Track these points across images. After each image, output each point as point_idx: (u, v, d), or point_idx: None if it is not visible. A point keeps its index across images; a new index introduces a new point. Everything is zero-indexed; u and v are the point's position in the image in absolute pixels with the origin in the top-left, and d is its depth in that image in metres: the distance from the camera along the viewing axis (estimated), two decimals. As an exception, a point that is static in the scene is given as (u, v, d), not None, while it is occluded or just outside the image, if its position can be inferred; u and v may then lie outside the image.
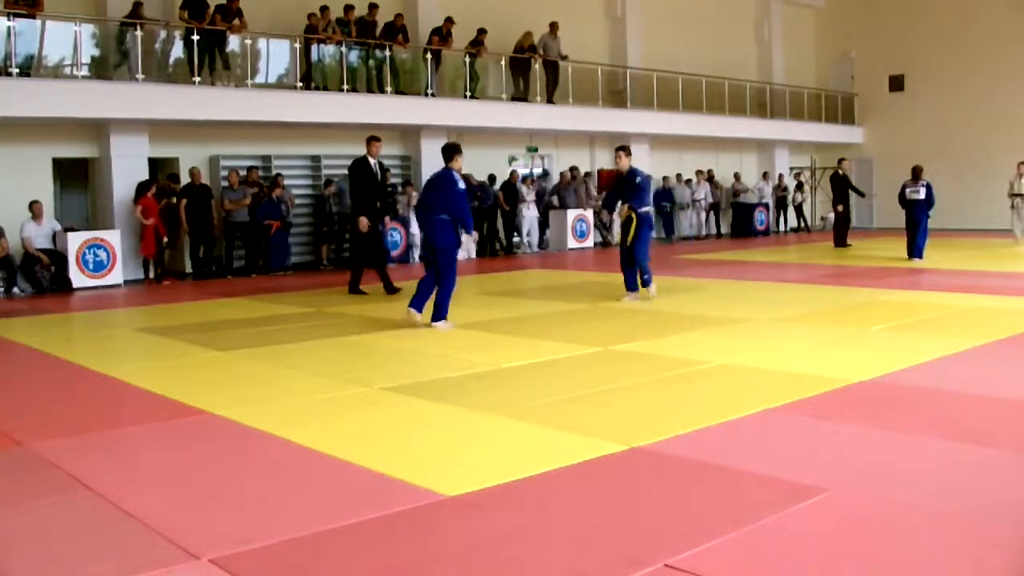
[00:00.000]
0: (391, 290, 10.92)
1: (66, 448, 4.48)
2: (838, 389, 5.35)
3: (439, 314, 8.12)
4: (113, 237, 13.20)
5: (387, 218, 11.59)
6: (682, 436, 4.40)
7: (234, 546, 3.14)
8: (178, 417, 5.10)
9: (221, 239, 14.93)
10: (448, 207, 8.20)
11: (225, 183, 14.78)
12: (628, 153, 10.04)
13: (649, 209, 9.97)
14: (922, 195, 14.53)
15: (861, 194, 17.56)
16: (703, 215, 21.87)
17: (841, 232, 17.29)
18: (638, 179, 9.76)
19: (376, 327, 8.34)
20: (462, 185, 8.38)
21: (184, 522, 3.40)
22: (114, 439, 4.72)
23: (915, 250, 14.35)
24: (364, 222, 10.65)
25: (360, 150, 16.74)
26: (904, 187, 14.85)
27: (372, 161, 10.81)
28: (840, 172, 16.92)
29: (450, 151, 8.47)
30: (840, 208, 16.92)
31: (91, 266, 12.92)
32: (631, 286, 9.79)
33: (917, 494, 3.55)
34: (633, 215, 9.67)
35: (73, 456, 4.32)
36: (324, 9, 15.50)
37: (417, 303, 8.19)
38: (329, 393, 5.62)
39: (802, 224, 24.10)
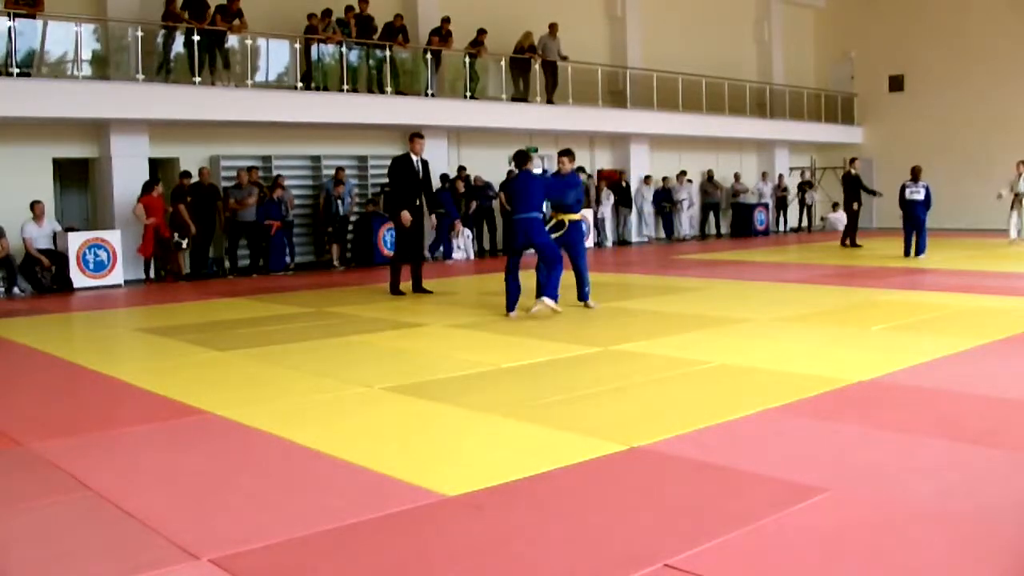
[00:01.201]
0: (419, 289, 10.88)
1: (66, 448, 4.47)
2: (838, 389, 5.35)
3: (551, 292, 8.63)
4: (113, 237, 13.21)
5: (433, 215, 11.43)
6: (682, 436, 4.40)
7: (234, 546, 3.14)
8: (178, 417, 5.10)
9: (222, 239, 14.94)
10: (538, 202, 8.83)
11: (226, 183, 14.79)
12: (572, 158, 9.45)
13: (579, 217, 9.47)
14: (922, 195, 14.98)
15: (873, 193, 17.43)
16: (684, 215, 21.76)
17: (850, 232, 17.23)
18: (572, 186, 9.31)
19: (376, 327, 8.34)
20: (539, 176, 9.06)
21: (184, 522, 3.40)
22: (114, 439, 4.72)
23: (918, 248, 14.74)
24: (407, 216, 10.50)
25: (361, 150, 16.96)
26: (904, 187, 15.11)
27: (415, 158, 10.63)
28: (852, 172, 16.89)
29: (522, 157, 8.90)
30: (856, 206, 16.87)
31: (91, 266, 12.93)
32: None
33: (917, 494, 3.55)
34: (564, 219, 9.26)
35: (73, 456, 4.32)
36: (327, 13, 15.49)
37: (550, 292, 8.77)
38: (329, 393, 5.62)
39: (804, 224, 24.08)
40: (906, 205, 15.00)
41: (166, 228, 13.88)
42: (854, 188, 16.83)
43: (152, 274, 14.06)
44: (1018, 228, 17.05)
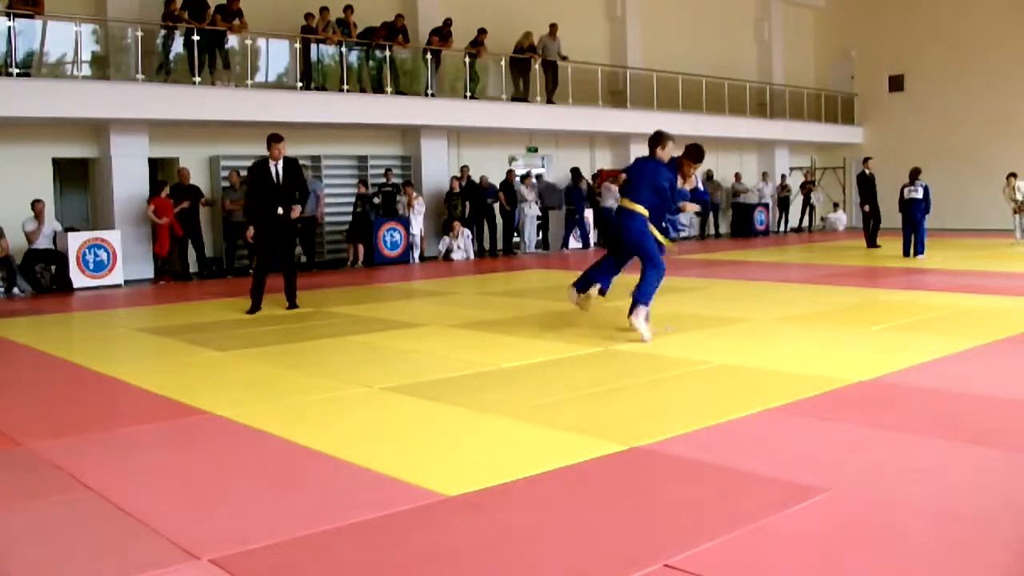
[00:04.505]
0: (292, 305, 9.81)
1: (66, 448, 4.47)
2: (838, 389, 5.35)
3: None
4: (113, 237, 13.22)
5: (294, 223, 9.93)
6: (682, 436, 4.40)
7: (234, 546, 3.14)
8: (178, 417, 5.10)
9: (221, 239, 14.95)
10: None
11: (225, 183, 14.80)
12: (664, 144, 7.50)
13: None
14: (920, 195, 15.17)
15: (874, 202, 17.07)
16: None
17: (871, 232, 17.15)
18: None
19: (376, 327, 8.34)
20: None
21: (184, 522, 3.40)
22: (114, 439, 4.72)
23: (917, 248, 14.86)
24: (250, 232, 9.58)
25: (360, 150, 16.96)
26: (903, 188, 15.36)
27: (272, 164, 9.54)
28: (867, 172, 16.84)
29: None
30: (867, 208, 16.84)
31: (91, 266, 12.93)
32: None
33: (917, 494, 3.55)
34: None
35: (73, 456, 4.32)
36: (324, 10, 15.50)
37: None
38: (329, 393, 5.62)
39: (805, 224, 24.07)
40: (904, 205, 15.12)
41: (179, 227, 13.90)
42: (868, 189, 16.68)
43: (153, 274, 14.09)
44: (1022, 230, 17.10)
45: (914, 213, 14.98)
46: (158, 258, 14.02)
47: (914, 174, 15.31)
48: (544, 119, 18.47)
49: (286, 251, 10.01)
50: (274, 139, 9.62)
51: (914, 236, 14.93)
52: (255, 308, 9.60)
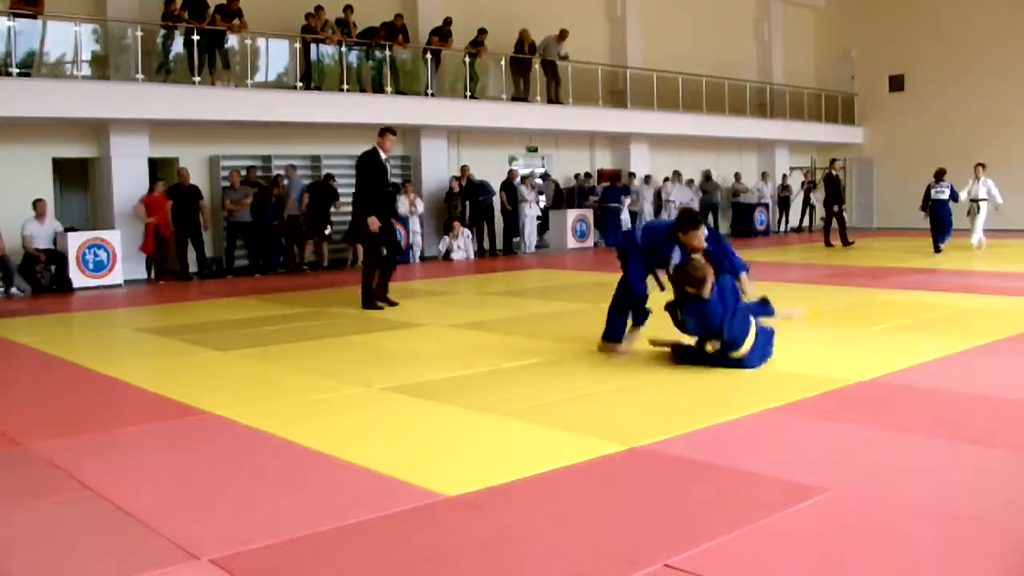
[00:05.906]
0: (385, 299, 9.67)
1: (66, 448, 4.47)
2: (838, 389, 5.34)
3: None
4: (113, 237, 13.21)
5: (392, 219, 10.26)
6: (682, 436, 4.40)
7: (234, 546, 3.14)
8: (178, 417, 5.09)
9: (221, 239, 14.95)
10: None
11: (225, 183, 14.80)
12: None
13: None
14: (946, 195, 15.49)
15: (830, 206, 17.33)
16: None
17: (829, 230, 17.42)
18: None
19: (376, 327, 8.34)
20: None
21: (184, 522, 3.40)
22: (114, 439, 4.72)
23: (935, 246, 15.26)
24: (374, 222, 9.36)
25: (360, 150, 16.81)
26: (929, 188, 15.70)
27: (383, 155, 9.49)
28: (833, 173, 17.12)
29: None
30: (836, 208, 17.08)
31: (91, 266, 12.93)
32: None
33: (917, 494, 3.55)
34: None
35: (73, 456, 4.32)
36: (319, 9, 15.48)
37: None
38: (329, 393, 5.62)
39: (805, 224, 24.06)
40: (932, 206, 15.43)
41: (166, 227, 13.88)
42: (835, 189, 17.13)
43: (153, 274, 14.08)
44: (979, 236, 16.60)
45: (941, 213, 15.28)
46: (149, 259, 14.00)
47: (940, 175, 15.70)
48: (544, 119, 18.47)
49: (392, 245, 10.05)
50: (390, 131, 9.45)
51: (942, 234, 15.27)
52: (373, 303, 9.50)
